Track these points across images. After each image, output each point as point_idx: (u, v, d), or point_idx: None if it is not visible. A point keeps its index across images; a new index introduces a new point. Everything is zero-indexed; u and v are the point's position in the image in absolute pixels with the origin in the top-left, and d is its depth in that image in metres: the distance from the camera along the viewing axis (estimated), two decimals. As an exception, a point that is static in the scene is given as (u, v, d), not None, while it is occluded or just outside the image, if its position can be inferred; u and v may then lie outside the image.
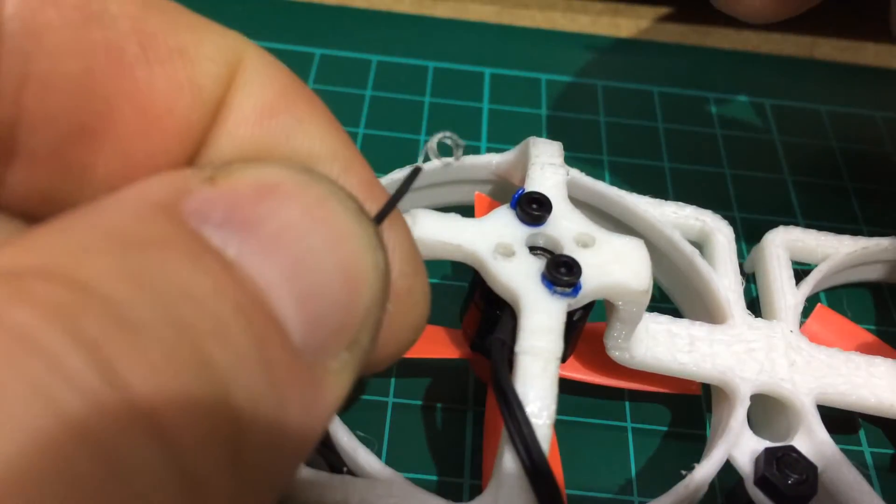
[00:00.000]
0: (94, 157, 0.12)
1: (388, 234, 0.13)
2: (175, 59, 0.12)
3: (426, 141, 0.16)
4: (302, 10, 0.37)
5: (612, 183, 0.31)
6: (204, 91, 0.12)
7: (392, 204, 0.13)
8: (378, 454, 0.19)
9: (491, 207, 0.23)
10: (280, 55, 0.37)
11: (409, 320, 0.14)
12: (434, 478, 0.23)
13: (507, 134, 0.33)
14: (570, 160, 0.29)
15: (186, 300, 0.09)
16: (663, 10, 0.39)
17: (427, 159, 0.16)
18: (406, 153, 0.31)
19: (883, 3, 0.27)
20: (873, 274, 0.28)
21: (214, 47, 0.12)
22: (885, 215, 0.31)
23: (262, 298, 0.10)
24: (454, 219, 0.21)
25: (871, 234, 0.27)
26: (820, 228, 0.27)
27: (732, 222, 0.27)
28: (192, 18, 0.13)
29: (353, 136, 0.32)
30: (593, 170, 0.32)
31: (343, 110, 0.33)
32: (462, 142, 0.16)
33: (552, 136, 0.33)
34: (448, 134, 0.15)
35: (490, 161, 0.25)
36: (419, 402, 0.24)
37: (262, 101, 0.13)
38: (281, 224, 0.11)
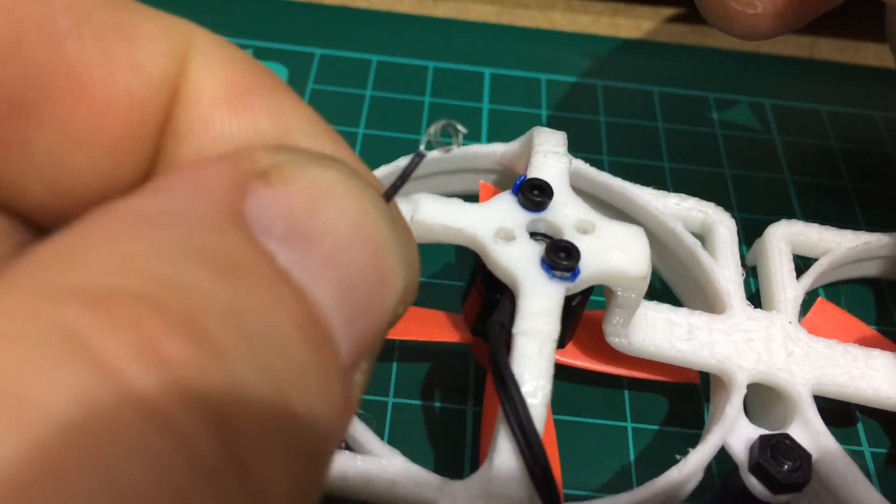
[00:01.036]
0: (32, 131, 0.12)
1: None
2: (109, 35, 0.12)
3: (427, 127, 0.16)
4: (302, 10, 0.37)
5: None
6: (144, 67, 0.12)
7: (397, 187, 0.13)
8: (379, 434, 0.20)
9: (493, 193, 0.23)
10: (280, 55, 0.37)
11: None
12: (442, 456, 0.23)
13: (507, 134, 0.32)
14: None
15: (275, 349, 0.10)
16: (663, 11, 0.39)
17: (429, 146, 0.16)
18: (406, 153, 0.31)
19: (883, 3, 0.27)
20: (874, 270, 0.28)
21: (155, 27, 0.12)
22: (885, 215, 0.31)
23: (325, 327, 0.11)
24: (456, 203, 0.21)
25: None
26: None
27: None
28: (130, 3, 0.12)
29: (353, 135, 0.32)
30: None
31: (343, 110, 0.33)
32: (463, 129, 0.16)
33: (552, 136, 0.33)
34: (450, 121, 0.16)
35: (495, 151, 0.26)
36: (418, 398, 0.24)
37: (229, 79, 0.13)
38: (334, 241, 0.11)
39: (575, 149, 0.33)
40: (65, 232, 0.09)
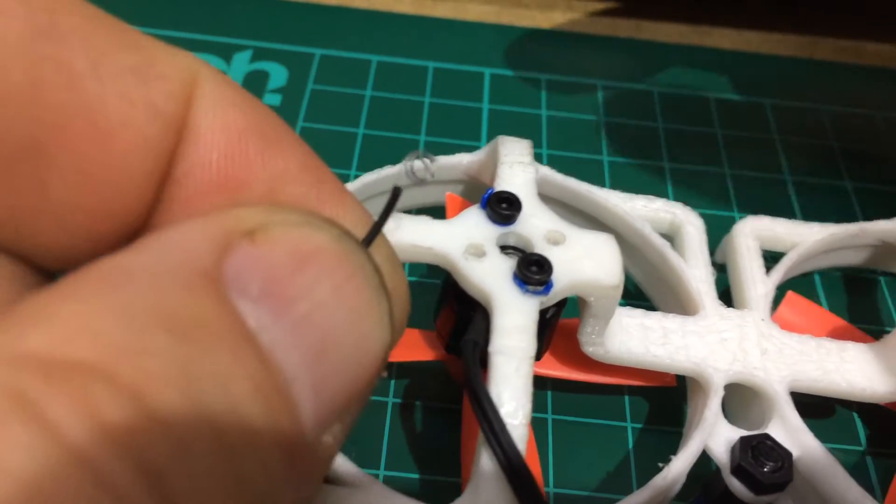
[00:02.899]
0: (48, 173, 0.12)
1: (374, 251, 0.13)
2: (126, 76, 0.12)
3: (404, 159, 0.16)
4: (302, 10, 0.37)
5: (612, 183, 0.31)
6: (158, 108, 0.12)
7: (377, 228, 0.13)
8: (355, 460, 0.19)
9: (462, 207, 0.23)
10: (280, 55, 0.37)
11: (395, 319, 0.14)
12: (426, 477, 0.23)
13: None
14: (571, 160, 0.29)
15: (228, 412, 0.10)
16: (664, 11, 0.39)
17: (413, 178, 0.16)
18: (406, 153, 0.31)
19: (883, 3, 0.27)
20: (843, 259, 0.28)
21: (167, 65, 0.12)
22: (884, 215, 0.31)
23: (287, 391, 0.11)
24: (424, 221, 0.21)
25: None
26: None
27: (732, 222, 0.27)
28: (142, 38, 0.12)
29: (353, 136, 0.32)
30: (593, 170, 0.32)
31: (343, 110, 0.33)
32: (433, 165, 0.16)
33: (552, 136, 0.33)
34: (422, 153, 0.16)
35: (460, 161, 0.25)
36: (398, 417, 0.24)
37: (229, 122, 0.13)
38: (313, 304, 0.11)
39: (575, 149, 0.33)
40: (42, 292, 0.10)
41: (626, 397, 0.25)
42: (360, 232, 0.13)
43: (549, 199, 0.26)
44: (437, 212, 0.22)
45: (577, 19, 0.38)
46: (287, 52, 0.35)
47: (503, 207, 0.21)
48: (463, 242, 0.20)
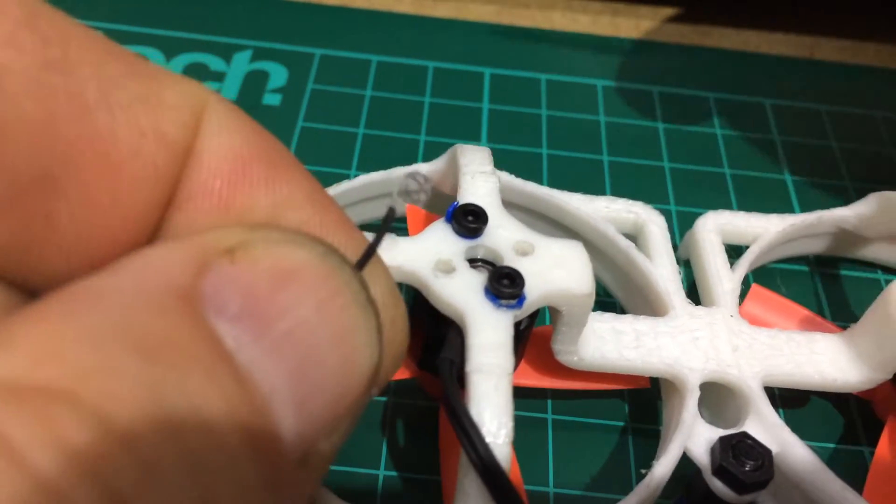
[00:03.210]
0: (57, 204, 0.12)
1: (370, 274, 0.13)
2: (136, 106, 0.12)
3: (401, 183, 0.16)
4: (302, 10, 0.37)
5: (613, 183, 0.31)
6: (168, 137, 0.12)
7: (372, 250, 0.13)
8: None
9: (425, 219, 0.23)
10: (280, 55, 0.37)
11: (394, 350, 0.14)
12: (427, 477, 0.23)
13: (507, 134, 0.33)
14: (571, 160, 0.29)
15: (199, 434, 0.10)
16: (663, 10, 0.39)
17: (408, 197, 0.16)
18: (406, 153, 0.31)
19: (883, 3, 0.27)
20: (804, 248, 0.29)
21: (176, 95, 0.12)
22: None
23: (265, 412, 0.10)
24: (390, 239, 0.20)
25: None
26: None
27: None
28: (151, 67, 0.12)
29: (353, 135, 0.32)
30: (593, 170, 0.32)
31: (343, 110, 0.33)
32: (428, 186, 0.16)
33: (552, 136, 0.33)
34: (416, 172, 0.16)
35: (418, 171, 0.25)
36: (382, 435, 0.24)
37: (234, 148, 0.13)
38: (294, 322, 0.11)
39: (575, 149, 0.33)
40: (11, 316, 0.10)
41: (626, 395, 0.25)
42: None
43: (513, 205, 0.25)
44: (398, 224, 0.22)
45: (577, 19, 0.38)
46: (287, 52, 0.35)
47: (469, 220, 0.21)
48: (431, 258, 0.20)
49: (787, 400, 0.25)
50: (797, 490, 0.21)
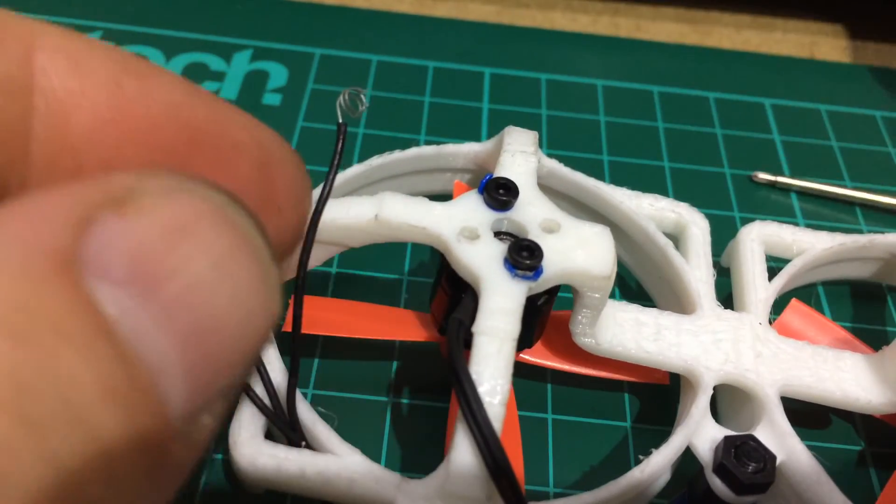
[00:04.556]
0: None
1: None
2: None
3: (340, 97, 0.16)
4: (302, 10, 0.37)
5: (613, 183, 0.31)
6: (13, 79, 0.11)
7: (327, 195, 0.12)
8: (349, 431, 0.20)
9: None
10: (280, 55, 0.37)
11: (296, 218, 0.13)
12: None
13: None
14: (570, 160, 0.29)
15: (73, 422, 0.08)
16: (663, 11, 0.39)
17: (345, 115, 0.16)
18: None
19: (883, 3, 0.27)
20: (849, 271, 0.28)
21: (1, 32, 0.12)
22: (886, 219, 0.31)
23: (149, 385, 0.09)
24: (421, 202, 0.21)
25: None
26: (820, 229, 0.27)
27: (732, 222, 0.27)
28: None
29: (353, 135, 0.32)
30: (593, 170, 0.32)
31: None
32: (365, 100, 0.16)
33: (552, 135, 0.33)
34: (355, 88, 0.16)
35: (470, 150, 0.26)
36: (385, 396, 0.24)
37: (76, 70, 0.12)
38: (188, 282, 0.10)
39: (575, 149, 0.33)
40: None
41: (626, 395, 0.25)
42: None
43: (556, 193, 0.26)
44: (446, 199, 0.22)
45: (577, 19, 0.38)
46: (287, 51, 0.35)
47: (500, 193, 0.21)
48: (458, 225, 0.21)
49: (808, 418, 0.25)
50: (799, 500, 0.21)
